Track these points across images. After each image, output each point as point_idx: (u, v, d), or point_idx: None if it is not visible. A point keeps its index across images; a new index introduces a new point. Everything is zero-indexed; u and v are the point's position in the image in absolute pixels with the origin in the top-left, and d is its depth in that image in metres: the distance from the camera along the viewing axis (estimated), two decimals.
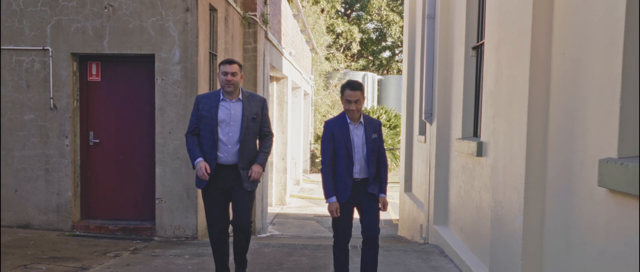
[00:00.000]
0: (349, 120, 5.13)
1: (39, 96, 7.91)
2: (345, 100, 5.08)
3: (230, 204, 5.54)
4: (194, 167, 5.35)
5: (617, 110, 3.09)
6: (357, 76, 31.04)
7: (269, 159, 15.33)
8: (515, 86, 4.55)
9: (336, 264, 5.35)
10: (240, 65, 5.45)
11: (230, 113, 5.34)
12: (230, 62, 5.37)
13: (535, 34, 4.22)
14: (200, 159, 5.30)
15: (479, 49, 6.94)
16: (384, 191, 5.30)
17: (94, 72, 8.16)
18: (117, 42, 7.86)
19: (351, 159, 5.06)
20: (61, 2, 7.84)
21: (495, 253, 5.14)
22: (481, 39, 6.75)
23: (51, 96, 7.88)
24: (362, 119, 5.16)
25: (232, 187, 5.42)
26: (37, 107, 7.93)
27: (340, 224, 5.20)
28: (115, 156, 8.25)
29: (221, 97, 5.37)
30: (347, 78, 30.43)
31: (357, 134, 5.12)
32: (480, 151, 6.20)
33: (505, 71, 4.84)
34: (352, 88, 5.05)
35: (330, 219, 15.50)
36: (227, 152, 5.33)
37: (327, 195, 5.14)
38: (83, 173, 8.22)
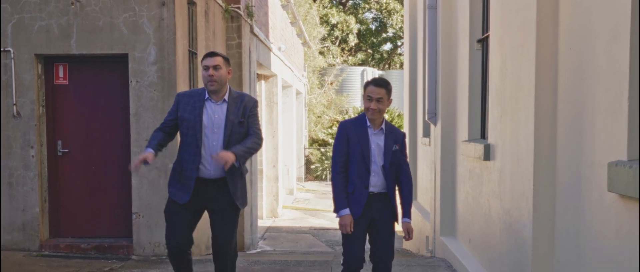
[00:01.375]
0: (368, 124, 4.99)
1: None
2: (366, 97, 4.96)
3: (210, 224, 5.32)
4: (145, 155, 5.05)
5: (626, 109, 3.24)
6: (356, 72, 31.20)
7: (259, 166, 15.49)
8: (520, 83, 4.70)
9: None
10: (225, 59, 5.24)
11: (213, 118, 5.13)
12: (212, 54, 5.16)
13: (541, 25, 4.37)
14: (149, 149, 5.06)
15: (484, 42, 7.09)
16: (408, 214, 5.15)
17: (61, 74, 8.28)
18: (85, 41, 7.99)
19: (367, 168, 4.94)
20: None
21: (504, 265, 5.28)
22: (486, 31, 6.90)
23: (14, 102, 8.00)
24: (384, 126, 5.03)
25: (214, 207, 5.22)
26: None
27: (351, 245, 4.98)
28: (87, 167, 8.37)
29: (206, 96, 5.17)
30: (345, 74, 30.63)
31: (376, 142, 4.97)
32: (487, 154, 6.34)
33: (510, 67, 4.99)
34: (376, 84, 4.93)
35: (329, 232, 15.70)
36: (210, 163, 5.11)
37: (338, 207, 4.97)
38: (51, 187, 8.33)
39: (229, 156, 4.95)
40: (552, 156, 4.41)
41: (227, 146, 5.11)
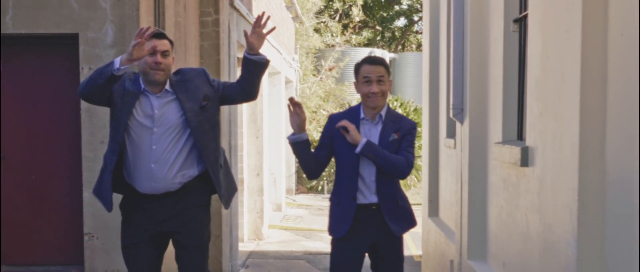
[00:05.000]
0: (363, 115, 5.13)
1: None
2: (362, 80, 5.09)
3: (175, 259, 5.43)
4: (111, 68, 4.85)
5: None
6: (360, 54, 31.51)
7: (239, 174, 15.76)
8: (564, 74, 5.05)
9: None
10: (172, 42, 5.24)
11: (153, 115, 5.09)
12: (160, 35, 5.10)
13: (588, 5, 4.70)
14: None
15: (522, 22, 7.43)
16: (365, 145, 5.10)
17: None
18: (25, 18, 8.27)
19: (355, 173, 5.04)
20: None
21: None
22: (525, 9, 7.23)
23: None
24: (383, 114, 5.17)
25: (171, 231, 5.31)
26: None
27: None
28: (26, 177, 8.67)
29: (142, 87, 5.14)
30: (347, 59, 30.96)
31: (372, 134, 5.10)
32: (525, 159, 6.68)
33: (552, 54, 5.34)
34: (372, 62, 5.07)
35: (328, 258, 15.86)
36: (153, 176, 5.15)
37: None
38: None
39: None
40: (600, 162, 4.74)
41: (203, 150, 5.17)
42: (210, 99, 5.19)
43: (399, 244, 5.22)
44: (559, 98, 5.19)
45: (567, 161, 5.02)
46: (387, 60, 32.06)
